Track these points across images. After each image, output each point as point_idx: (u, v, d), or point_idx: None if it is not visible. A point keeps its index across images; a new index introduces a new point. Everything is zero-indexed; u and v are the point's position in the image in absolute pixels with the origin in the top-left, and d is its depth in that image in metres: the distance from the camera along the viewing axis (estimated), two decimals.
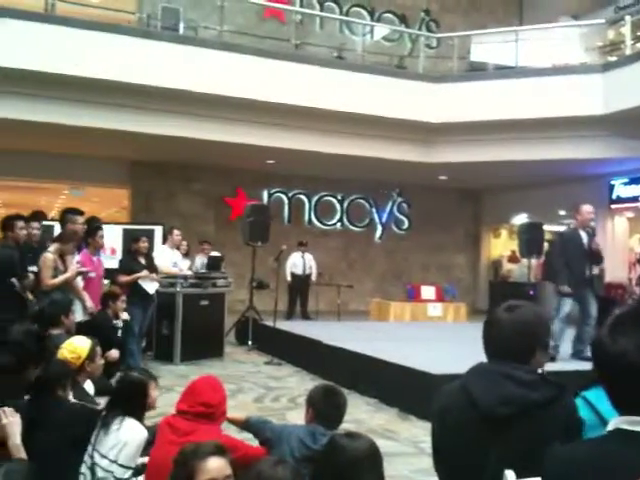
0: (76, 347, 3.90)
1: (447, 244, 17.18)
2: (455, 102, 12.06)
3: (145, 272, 7.81)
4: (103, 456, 3.09)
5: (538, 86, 11.40)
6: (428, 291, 12.93)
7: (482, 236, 17.88)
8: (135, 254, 7.95)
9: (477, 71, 12.75)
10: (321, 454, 2.37)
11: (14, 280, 5.74)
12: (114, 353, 5.86)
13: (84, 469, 3.12)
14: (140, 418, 3.22)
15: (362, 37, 14.01)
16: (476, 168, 13.32)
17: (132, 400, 3.20)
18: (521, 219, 15.07)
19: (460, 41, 13.14)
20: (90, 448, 3.13)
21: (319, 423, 3.01)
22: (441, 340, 9.50)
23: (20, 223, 6.28)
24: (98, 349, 4.03)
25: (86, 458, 3.13)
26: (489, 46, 13.15)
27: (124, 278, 7.65)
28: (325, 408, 3.04)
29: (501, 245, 17.85)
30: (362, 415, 6.17)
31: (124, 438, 3.08)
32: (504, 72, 12.25)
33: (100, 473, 3.07)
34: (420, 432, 5.57)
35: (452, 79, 12.41)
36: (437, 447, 2.07)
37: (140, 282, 7.75)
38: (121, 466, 3.05)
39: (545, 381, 1.91)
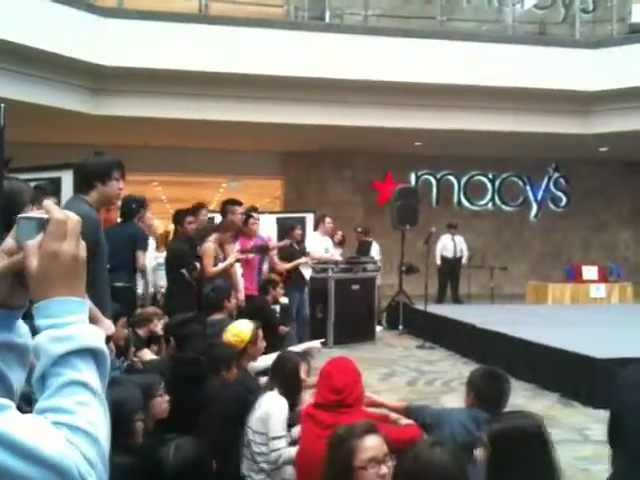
0: (239, 331, 4.05)
1: (610, 220, 16.05)
2: (616, 67, 11.24)
3: (304, 259, 8.20)
4: (254, 431, 3.23)
5: None
6: (590, 271, 12.20)
7: None
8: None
9: (638, 33, 11.78)
10: (487, 436, 2.28)
11: (184, 271, 6.17)
12: (283, 329, 6.34)
13: (245, 448, 3.29)
14: (294, 399, 3.29)
15: (512, 7, 13.38)
16: None
17: (285, 380, 3.29)
18: None
19: (619, 2, 12.22)
20: (246, 427, 3.29)
21: (480, 407, 2.89)
22: (605, 323, 8.90)
23: (189, 218, 6.61)
24: (260, 332, 4.15)
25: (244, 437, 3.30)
26: None
27: (286, 265, 8.03)
28: (488, 392, 2.92)
29: None
30: (520, 400, 5.97)
31: (267, 410, 3.19)
32: None
33: (255, 448, 3.21)
34: (584, 419, 5.31)
35: (612, 43, 11.57)
36: (617, 413, 2.21)
37: (300, 268, 8.16)
38: (272, 438, 3.15)
39: None
